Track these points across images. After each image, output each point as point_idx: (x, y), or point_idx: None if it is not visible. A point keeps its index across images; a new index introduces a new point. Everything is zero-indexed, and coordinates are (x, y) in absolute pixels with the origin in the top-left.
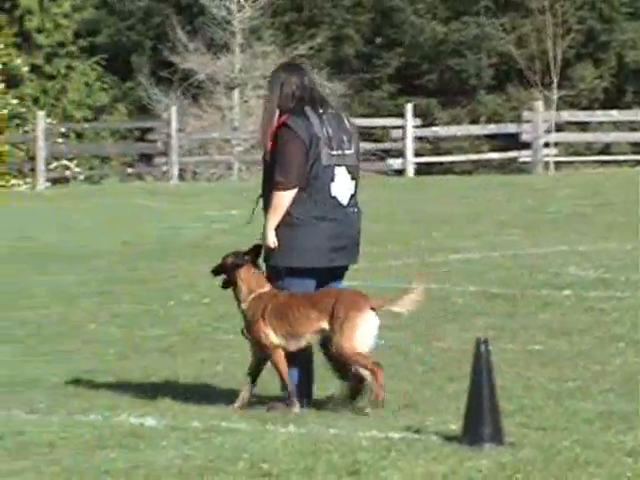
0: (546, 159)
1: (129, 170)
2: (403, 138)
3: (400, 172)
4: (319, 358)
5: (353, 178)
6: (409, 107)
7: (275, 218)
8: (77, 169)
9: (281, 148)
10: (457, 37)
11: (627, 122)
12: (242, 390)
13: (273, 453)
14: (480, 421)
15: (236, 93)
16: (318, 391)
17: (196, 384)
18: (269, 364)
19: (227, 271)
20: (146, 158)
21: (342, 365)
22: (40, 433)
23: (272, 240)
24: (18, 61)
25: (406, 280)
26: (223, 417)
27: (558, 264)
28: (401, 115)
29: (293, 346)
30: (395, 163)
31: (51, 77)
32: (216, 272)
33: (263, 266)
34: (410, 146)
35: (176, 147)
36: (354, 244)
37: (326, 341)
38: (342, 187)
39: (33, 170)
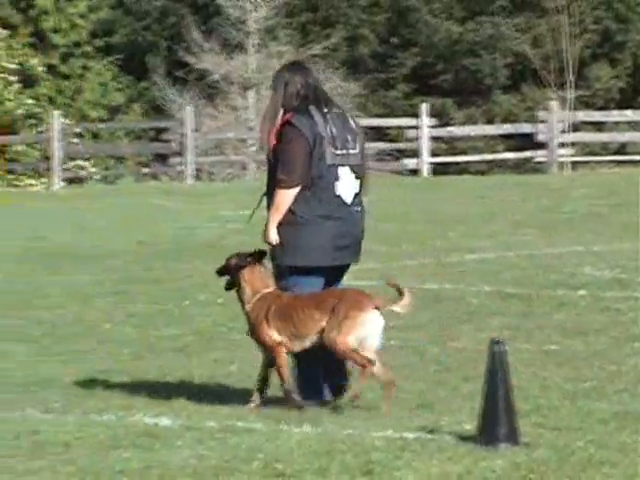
0: (562, 159)
1: (144, 170)
2: (418, 138)
3: (415, 172)
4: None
5: (357, 177)
6: (424, 107)
7: (277, 216)
8: (92, 169)
9: (285, 146)
10: (472, 37)
11: None
12: (254, 394)
13: (287, 453)
14: (495, 421)
15: (251, 93)
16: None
17: (211, 384)
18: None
19: (231, 272)
20: (161, 158)
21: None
22: (55, 433)
23: (274, 238)
24: (34, 61)
25: (420, 280)
26: (238, 417)
27: (573, 264)
28: (416, 115)
29: (297, 347)
30: (410, 163)
31: (67, 77)
32: (220, 273)
33: (269, 266)
34: (425, 146)
35: (191, 147)
36: (357, 243)
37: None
38: (346, 186)
39: (48, 170)
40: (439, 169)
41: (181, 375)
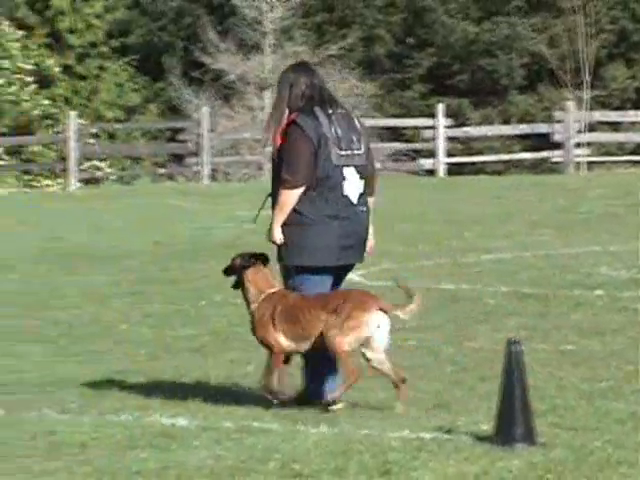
0: (578, 159)
1: (160, 170)
2: (434, 138)
3: (431, 172)
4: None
5: (362, 178)
6: (440, 107)
7: (281, 216)
8: (109, 169)
9: (289, 146)
10: (488, 37)
11: None
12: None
13: (304, 453)
14: (512, 421)
15: (267, 93)
16: (353, 392)
17: (227, 384)
18: (297, 358)
19: (236, 272)
20: (177, 158)
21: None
22: (72, 433)
23: (279, 237)
24: (50, 62)
25: (436, 280)
26: (254, 417)
27: (590, 264)
28: (432, 115)
29: (303, 347)
30: (426, 163)
31: (83, 78)
32: (227, 273)
33: (276, 266)
34: (441, 146)
35: (207, 147)
36: (361, 243)
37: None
38: (352, 186)
39: (65, 170)
40: (455, 169)
41: (197, 375)
